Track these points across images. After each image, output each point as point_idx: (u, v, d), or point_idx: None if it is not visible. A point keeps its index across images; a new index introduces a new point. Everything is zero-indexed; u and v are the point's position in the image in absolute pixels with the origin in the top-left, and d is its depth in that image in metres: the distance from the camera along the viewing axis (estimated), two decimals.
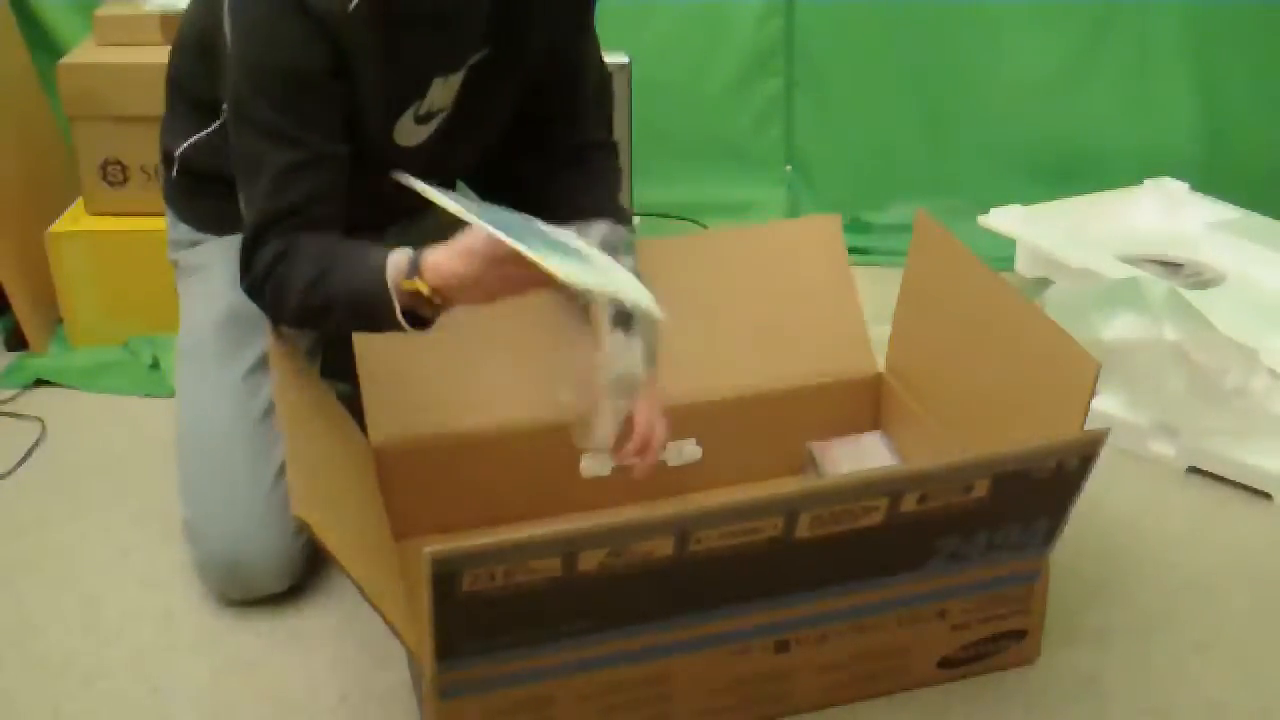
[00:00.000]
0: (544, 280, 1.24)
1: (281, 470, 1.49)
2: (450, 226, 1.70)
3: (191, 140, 1.57)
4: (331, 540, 1.14)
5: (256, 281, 1.39)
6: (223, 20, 1.34)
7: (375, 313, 1.33)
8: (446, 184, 1.67)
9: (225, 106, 1.41)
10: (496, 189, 1.75)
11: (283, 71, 1.33)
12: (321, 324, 1.43)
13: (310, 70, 1.33)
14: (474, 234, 1.28)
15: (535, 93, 1.56)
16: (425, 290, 1.30)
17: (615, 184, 1.62)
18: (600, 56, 1.65)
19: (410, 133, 1.47)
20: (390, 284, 1.31)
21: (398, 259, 1.32)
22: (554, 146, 1.60)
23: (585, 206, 1.47)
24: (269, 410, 1.50)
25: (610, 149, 1.64)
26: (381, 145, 1.45)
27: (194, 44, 1.51)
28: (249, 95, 1.35)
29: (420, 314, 1.33)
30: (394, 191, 1.54)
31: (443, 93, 1.46)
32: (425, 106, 1.45)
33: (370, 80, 1.38)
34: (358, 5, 1.32)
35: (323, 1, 1.31)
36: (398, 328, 1.33)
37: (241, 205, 1.40)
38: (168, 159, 1.62)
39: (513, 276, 1.27)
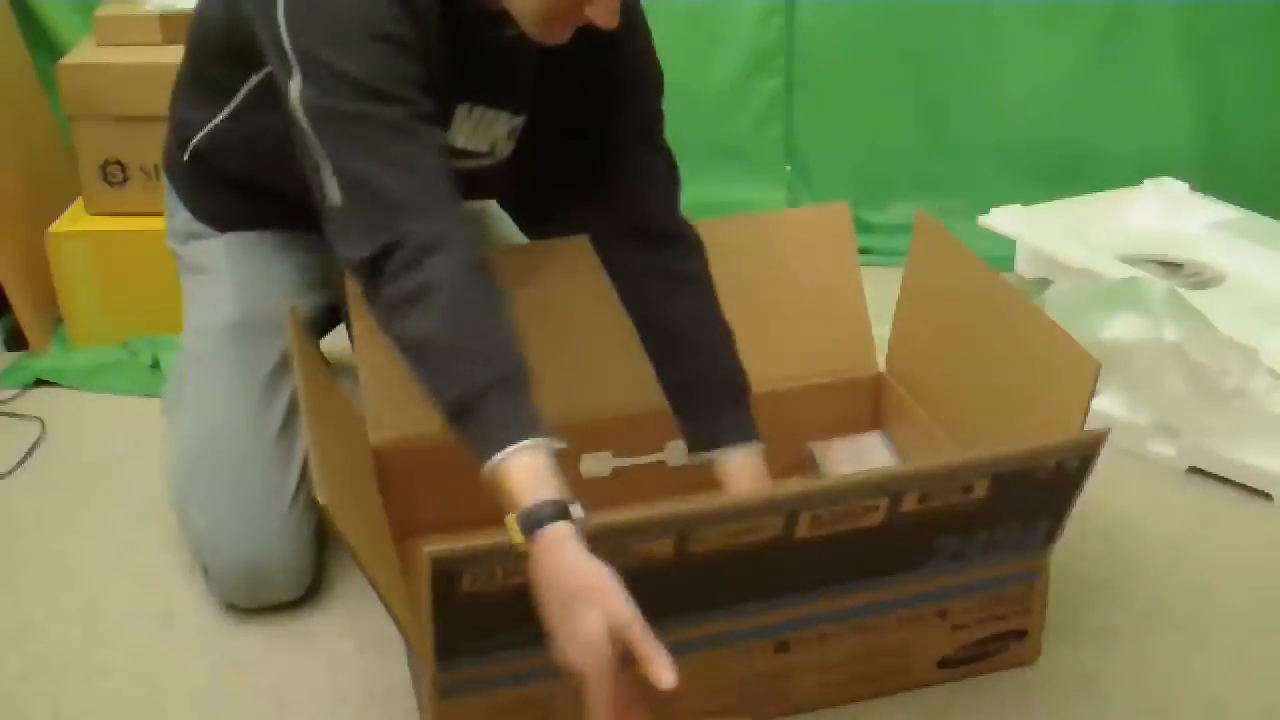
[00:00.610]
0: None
1: (301, 482, 1.49)
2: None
3: (209, 127, 1.51)
4: (351, 531, 1.13)
5: (398, 253, 1.19)
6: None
7: (476, 448, 1.16)
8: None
9: (279, 76, 1.25)
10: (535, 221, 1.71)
11: (380, 36, 1.21)
12: (420, 371, 1.21)
13: (407, 38, 1.23)
14: (609, 580, 1.06)
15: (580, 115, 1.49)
16: (521, 546, 1.08)
17: (727, 342, 1.50)
18: (664, 148, 1.53)
19: None
20: (500, 461, 1.13)
21: (534, 476, 1.12)
22: (618, 219, 1.52)
23: (722, 424, 1.44)
24: (286, 421, 1.50)
25: (691, 244, 1.53)
26: None
27: (203, 29, 1.46)
28: (331, 63, 1.21)
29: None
30: None
31: (468, 122, 1.40)
32: (449, 138, 1.39)
33: (430, 69, 1.28)
34: (428, 5, 1.26)
35: None
36: (468, 448, 1.17)
37: (341, 179, 1.22)
38: (181, 142, 1.57)
39: (598, 640, 1.04)
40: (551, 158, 1.53)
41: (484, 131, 1.43)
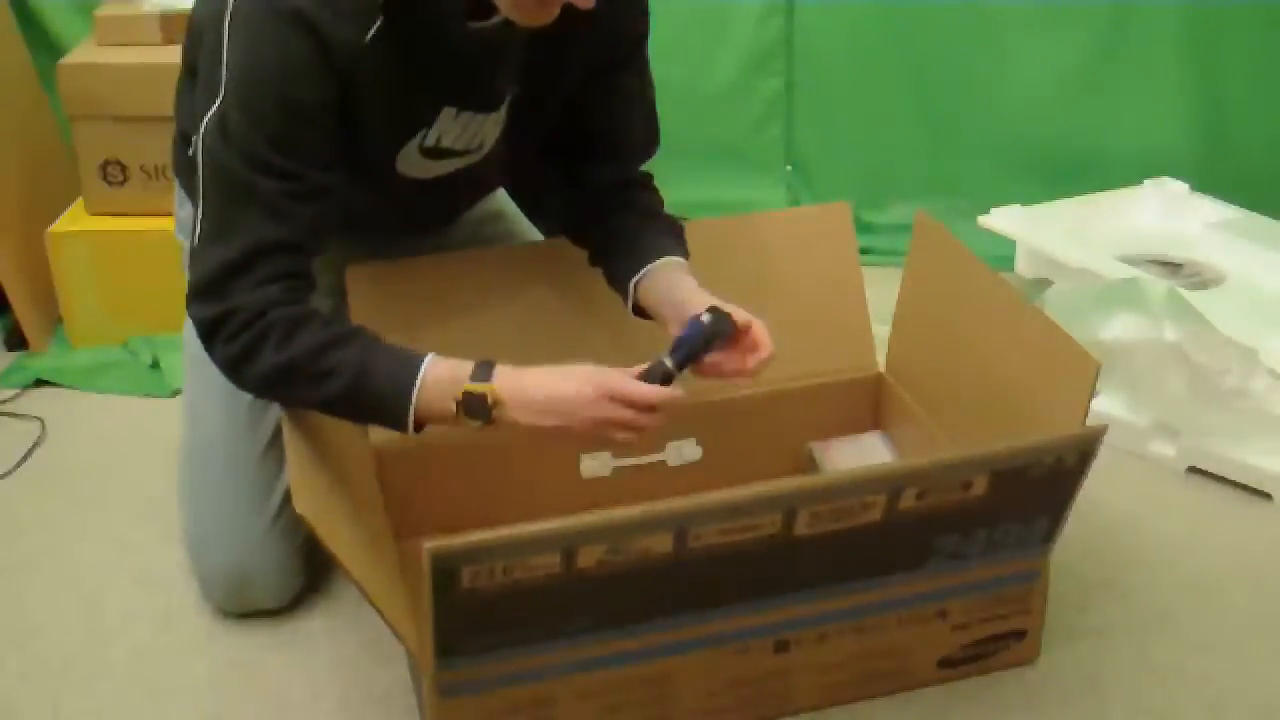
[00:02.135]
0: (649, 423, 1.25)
1: (287, 495, 1.49)
2: (473, 229, 1.69)
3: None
4: (332, 538, 1.14)
5: (230, 320, 1.26)
6: (223, 17, 1.26)
7: (388, 399, 1.26)
8: (455, 215, 1.67)
9: (201, 98, 1.28)
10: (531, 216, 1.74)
11: (284, 101, 1.24)
12: (300, 392, 1.29)
13: (314, 103, 1.26)
14: (581, 366, 1.26)
15: (569, 130, 1.51)
16: (490, 398, 1.24)
17: (665, 216, 1.54)
18: (649, 97, 1.55)
19: (418, 166, 1.42)
20: (420, 379, 1.25)
21: (450, 363, 1.27)
22: (592, 185, 1.54)
23: (647, 250, 1.46)
24: (277, 433, 1.50)
25: (647, 182, 1.57)
26: (384, 172, 1.40)
27: (197, 30, 1.45)
28: (240, 120, 1.24)
29: (433, 420, 1.28)
30: (404, 213, 1.54)
31: (454, 125, 1.40)
32: (433, 138, 1.39)
33: (375, 108, 1.31)
34: (375, 34, 1.26)
35: (339, 30, 1.24)
36: (399, 424, 1.27)
37: (208, 224, 1.28)
38: (184, 137, 1.54)
39: (617, 418, 1.25)
40: (546, 135, 1.53)
41: (472, 132, 1.42)
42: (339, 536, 1.16)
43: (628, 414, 1.25)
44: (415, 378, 1.26)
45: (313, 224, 1.30)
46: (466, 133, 1.42)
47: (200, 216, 1.29)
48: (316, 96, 1.26)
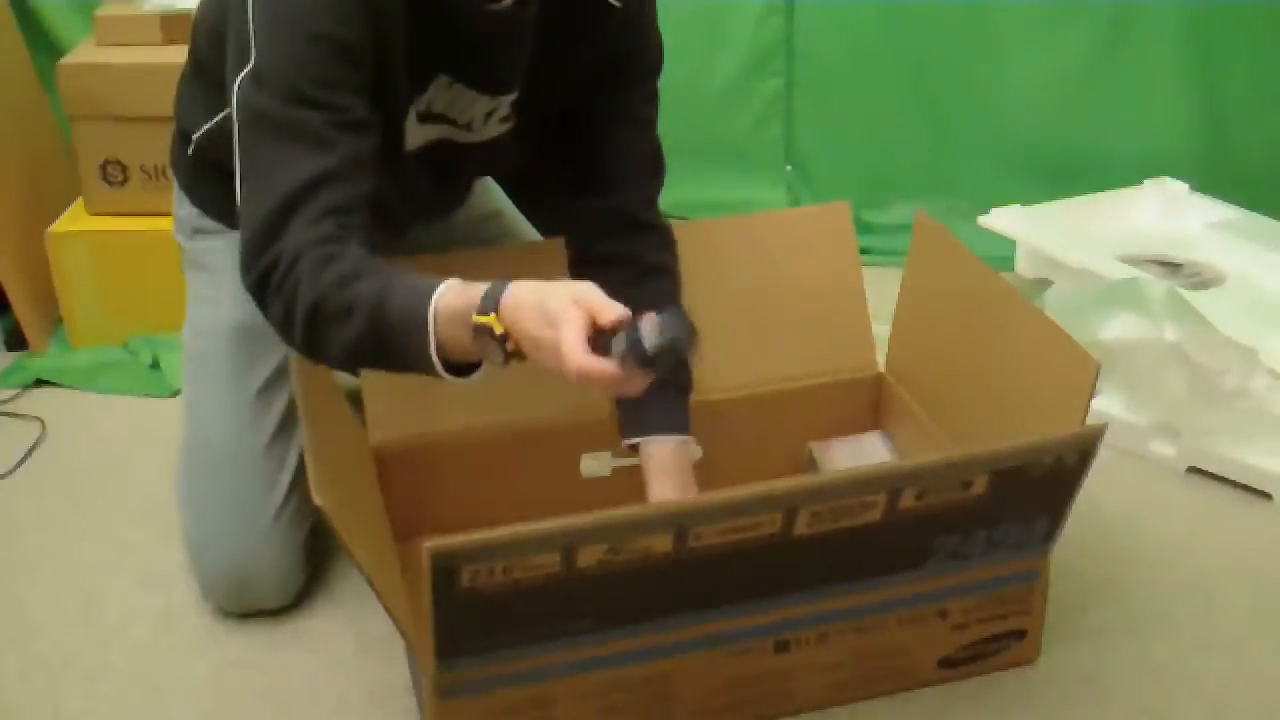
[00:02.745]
0: None
1: (289, 492, 1.49)
2: (472, 228, 1.69)
3: (211, 123, 1.50)
4: (348, 531, 1.14)
5: (276, 270, 1.17)
6: None
7: (408, 338, 1.13)
8: (453, 201, 1.67)
9: (232, 66, 1.26)
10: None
11: (318, 38, 1.21)
12: (332, 338, 1.18)
13: (349, 40, 1.23)
14: (588, 290, 1.11)
15: (574, 153, 1.49)
16: (498, 329, 1.10)
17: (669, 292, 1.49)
18: (654, 133, 1.52)
19: (415, 133, 1.42)
20: (433, 307, 1.12)
21: (463, 289, 1.13)
22: (595, 213, 1.50)
23: (653, 411, 1.45)
24: (280, 429, 1.50)
25: (661, 234, 1.52)
26: (392, 146, 1.39)
27: (204, 28, 1.46)
28: (274, 63, 1.21)
29: (466, 361, 1.15)
30: (401, 193, 1.54)
31: (446, 93, 1.40)
32: (424, 103, 1.40)
33: (389, 70, 1.30)
34: None
35: None
36: (425, 364, 1.14)
37: (248, 183, 1.22)
38: (184, 137, 1.56)
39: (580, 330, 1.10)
40: (546, 139, 1.52)
41: (461, 106, 1.42)
42: (351, 532, 1.16)
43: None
44: (428, 311, 1.12)
45: (359, 156, 1.23)
46: (456, 105, 1.41)
47: (240, 181, 1.23)
48: (352, 34, 1.23)
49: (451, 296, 1.13)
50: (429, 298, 1.13)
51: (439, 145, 1.45)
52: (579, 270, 1.51)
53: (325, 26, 1.22)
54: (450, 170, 1.55)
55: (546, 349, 1.09)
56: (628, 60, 1.45)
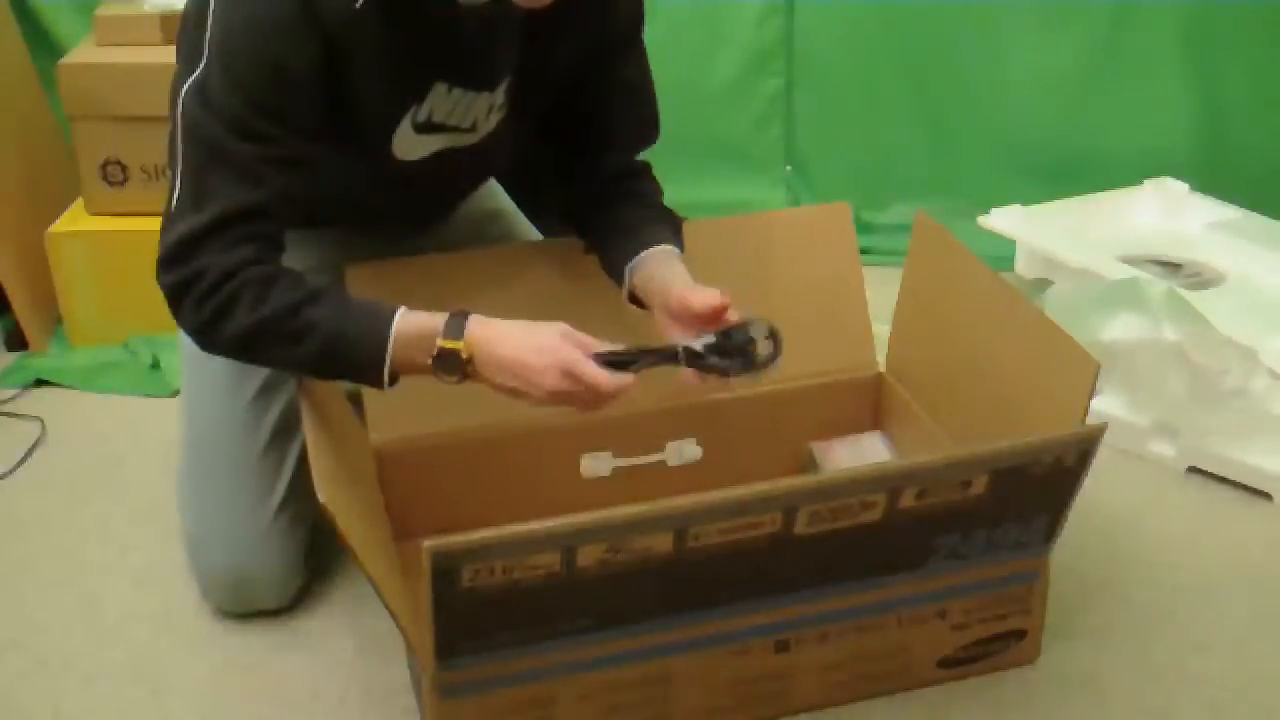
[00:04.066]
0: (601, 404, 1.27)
1: (288, 493, 1.49)
2: (473, 228, 1.69)
3: None
4: (350, 530, 1.14)
5: (200, 282, 1.25)
6: None
7: (364, 356, 1.27)
8: (450, 206, 1.67)
9: (182, 66, 1.28)
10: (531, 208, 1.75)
11: (266, 63, 1.23)
12: (274, 352, 1.29)
13: (297, 69, 1.25)
14: (550, 333, 1.26)
15: (568, 120, 1.53)
16: (463, 354, 1.25)
17: (663, 209, 1.55)
18: (648, 86, 1.56)
19: (413, 144, 1.42)
20: (393, 334, 1.26)
21: (421, 317, 1.27)
22: (592, 175, 1.55)
23: (644, 238, 1.47)
24: (278, 430, 1.50)
25: (647, 172, 1.58)
26: (381, 155, 1.40)
27: (192, 17, 1.47)
28: (221, 83, 1.23)
29: (409, 374, 1.29)
30: (401, 201, 1.54)
31: (446, 101, 1.40)
32: (424, 113, 1.39)
33: (366, 84, 1.31)
34: (366, 2, 1.25)
35: None
36: (375, 381, 1.29)
37: (182, 192, 1.27)
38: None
39: (575, 394, 1.26)
40: (542, 119, 1.54)
41: (464, 109, 1.42)
42: (354, 531, 1.16)
43: (584, 394, 1.26)
44: (388, 334, 1.26)
45: (284, 191, 1.29)
46: (458, 110, 1.41)
47: (176, 185, 1.28)
48: (301, 61, 1.25)
49: (407, 325, 1.27)
50: (389, 326, 1.26)
51: (444, 156, 1.45)
52: (589, 215, 1.55)
53: (273, 52, 1.24)
54: (451, 177, 1.56)
55: (533, 371, 1.24)
56: (614, 26, 1.46)
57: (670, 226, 1.51)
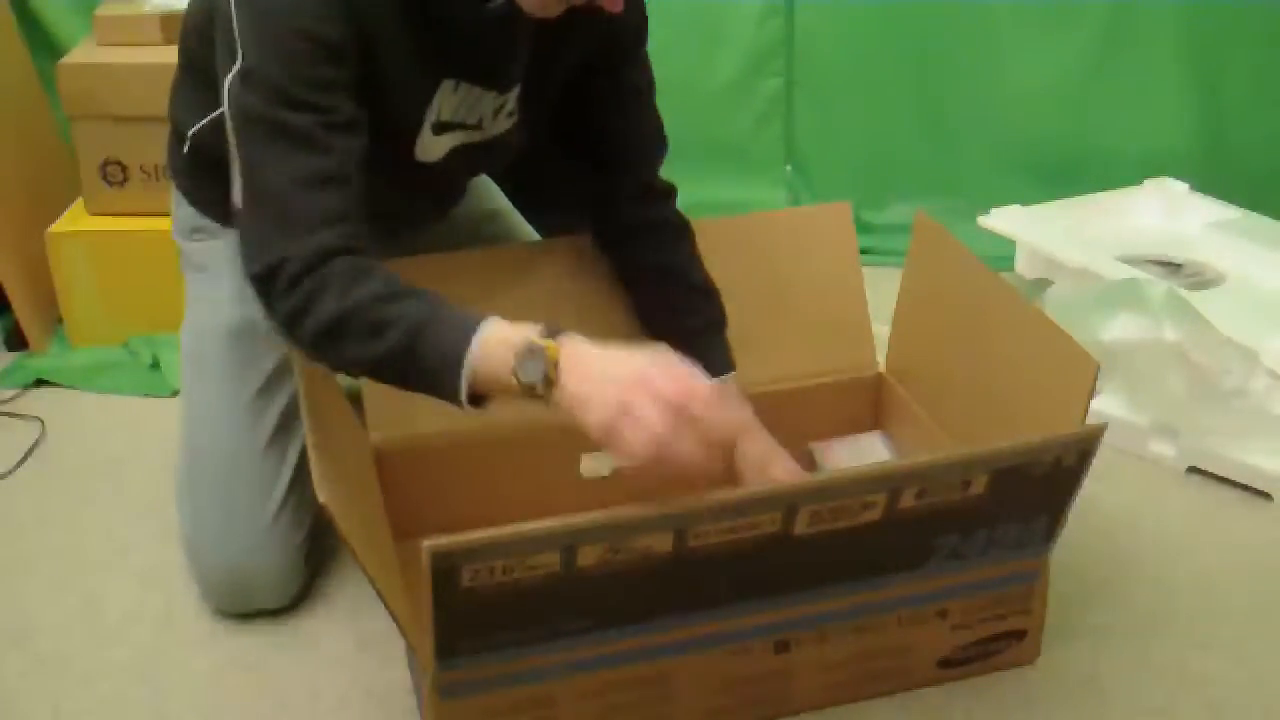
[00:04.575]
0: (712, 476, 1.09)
1: (288, 493, 1.49)
2: (471, 228, 1.69)
3: (206, 120, 1.50)
4: (350, 530, 1.14)
5: (285, 268, 1.19)
6: None
7: (443, 359, 1.15)
8: (456, 196, 1.67)
9: (220, 66, 1.27)
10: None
11: (304, 35, 1.21)
12: (351, 348, 1.21)
13: (333, 39, 1.23)
14: (655, 356, 1.10)
15: (584, 135, 1.54)
16: (553, 355, 1.11)
17: (711, 298, 1.56)
18: (653, 95, 1.56)
19: (430, 145, 1.42)
20: (480, 332, 1.15)
21: (513, 325, 1.15)
22: (613, 197, 1.56)
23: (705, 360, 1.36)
24: (278, 431, 1.50)
25: (676, 218, 1.58)
26: (403, 161, 1.40)
27: (194, 26, 1.46)
28: (261, 64, 1.22)
29: (489, 393, 1.17)
30: (407, 199, 1.54)
31: (453, 96, 1.41)
32: (434, 112, 1.40)
33: (390, 78, 1.31)
34: None
35: None
36: (452, 385, 1.16)
37: (246, 185, 1.24)
38: (179, 136, 1.56)
39: (666, 425, 1.06)
40: (553, 127, 1.54)
41: (469, 106, 1.42)
42: (354, 530, 1.16)
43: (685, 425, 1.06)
44: (474, 332, 1.14)
45: (352, 154, 1.25)
46: (464, 106, 1.42)
47: (239, 184, 1.25)
48: (336, 33, 1.24)
49: (497, 328, 1.16)
50: (476, 324, 1.15)
51: (457, 152, 1.46)
52: (611, 244, 1.58)
53: (307, 24, 1.22)
54: (459, 174, 1.57)
55: (629, 392, 1.07)
56: (618, 34, 1.46)
57: (722, 334, 1.56)
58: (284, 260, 1.20)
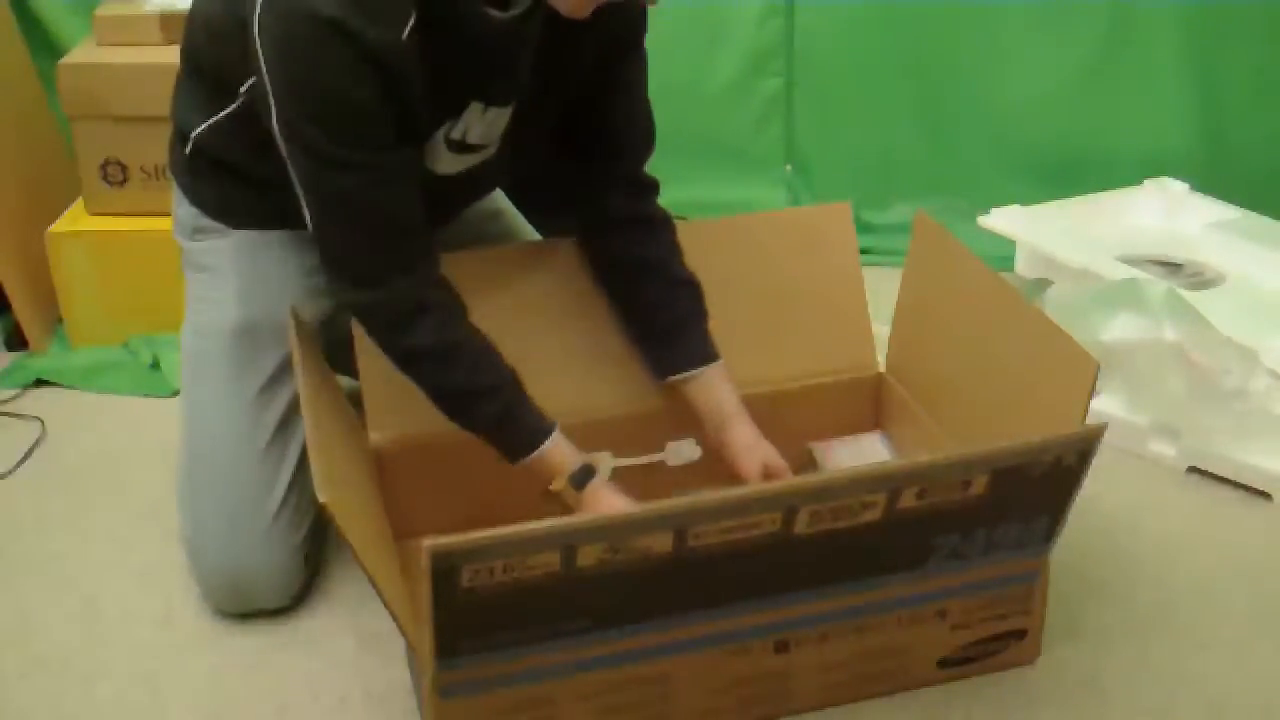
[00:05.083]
0: None
1: (288, 493, 1.49)
2: (473, 228, 1.69)
3: (209, 122, 1.50)
4: (351, 529, 1.14)
5: (382, 311, 1.39)
6: (250, 24, 1.27)
7: (505, 451, 1.42)
8: (461, 206, 1.67)
9: (261, 107, 1.32)
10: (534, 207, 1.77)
11: (341, 104, 1.27)
12: (446, 409, 1.44)
13: (364, 99, 1.27)
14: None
15: (576, 124, 1.54)
16: (571, 503, 1.40)
17: (690, 285, 1.59)
18: (645, 90, 1.58)
19: (444, 160, 1.43)
20: (536, 455, 1.41)
21: (569, 455, 1.42)
22: (599, 188, 1.57)
23: (688, 349, 1.56)
24: (279, 431, 1.50)
25: (658, 211, 1.60)
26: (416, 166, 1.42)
27: (203, 26, 1.46)
28: (299, 121, 1.28)
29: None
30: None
31: (480, 122, 1.42)
32: (459, 131, 1.41)
33: (411, 103, 1.32)
34: (411, 29, 1.26)
35: (376, 33, 1.24)
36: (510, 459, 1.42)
37: (333, 215, 1.36)
38: (182, 136, 1.56)
39: None
40: (550, 130, 1.54)
41: (492, 127, 1.44)
42: (355, 530, 1.16)
43: None
44: (531, 456, 1.41)
45: (406, 200, 1.36)
46: (490, 129, 1.43)
47: (310, 211, 1.35)
48: (368, 94, 1.27)
49: (551, 455, 1.42)
50: (535, 451, 1.41)
51: (469, 170, 1.47)
52: (595, 237, 1.59)
53: (341, 93, 1.27)
54: (473, 188, 1.57)
55: None
56: (621, 30, 1.47)
57: (703, 321, 1.58)
58: (383, 298, 1.37)
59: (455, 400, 1.42)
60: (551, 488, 1.41)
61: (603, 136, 1.55)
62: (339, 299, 1.45)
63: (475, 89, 1.38)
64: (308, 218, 1.35)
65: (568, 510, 1.40)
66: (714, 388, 1.54)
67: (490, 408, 1.40)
